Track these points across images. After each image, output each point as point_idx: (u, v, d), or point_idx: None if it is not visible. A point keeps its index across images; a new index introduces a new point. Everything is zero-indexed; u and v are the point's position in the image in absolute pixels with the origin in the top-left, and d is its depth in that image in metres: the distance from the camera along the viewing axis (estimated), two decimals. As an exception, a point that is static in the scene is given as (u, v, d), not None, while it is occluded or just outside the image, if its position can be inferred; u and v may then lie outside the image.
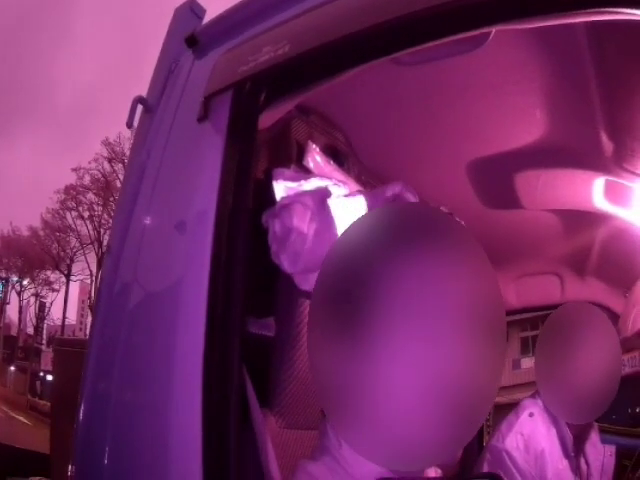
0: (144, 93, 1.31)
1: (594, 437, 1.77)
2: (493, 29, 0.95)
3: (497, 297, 0.78)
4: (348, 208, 1.16)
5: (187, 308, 1.03)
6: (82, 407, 1.17)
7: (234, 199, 1.04)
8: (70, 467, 1.13)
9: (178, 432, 0.99)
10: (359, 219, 0.82)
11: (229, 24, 1.20)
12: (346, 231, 0.83)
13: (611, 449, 1.79)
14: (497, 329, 0.76)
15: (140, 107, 1.29)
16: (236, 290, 1.01)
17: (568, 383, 1.42)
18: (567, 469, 1.70)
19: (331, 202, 1.16)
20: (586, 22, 1.06)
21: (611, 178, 1.64)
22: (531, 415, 1.72)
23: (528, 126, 1.53)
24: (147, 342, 1.12)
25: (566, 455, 1.71)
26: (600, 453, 1.77)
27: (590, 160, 1.61)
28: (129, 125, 1.26)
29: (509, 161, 1.67)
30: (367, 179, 1.56)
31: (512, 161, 1.67)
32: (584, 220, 1.89)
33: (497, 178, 1.76)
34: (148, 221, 1.18)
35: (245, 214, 1.05)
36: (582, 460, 1.73)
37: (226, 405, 0.96)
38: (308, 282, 1.15)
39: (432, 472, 1.03)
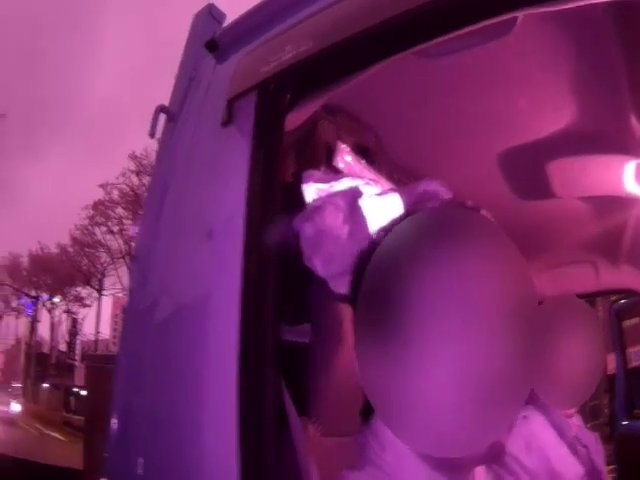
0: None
1: (582, 424, 1.93)
2: (520, 14, 0.92)
3: (530, 291, 0.80)
4: (381, 207, 1.13)
5: (219, 318, 1.02)
6: (113, 421, 1.17)
7: (263, 203, 1.02)
8: None
9: (214, 444, 0.98)
10: (395, 228, 0.89)
11: (249, 26, 1.19)
12: (386, 239, 0.89)
13: (596, 435, 1.97)
14: (530, 321, 0.79)
15: (163, 116, 1.28)
16: (269, 298, 1.00)
17: (556, 372, 1.48)
18: (569, 454, 1.82)
19: (363, 202, 1.13)
20: (612, 3, 1.05)
21: (642, 161, 1.59)
22: (525, 417, 1.79)
23: (557, 113, 1.49)
24: (177, 354, 1.11)
25: (566, 442, 1.82)
26: (591, 437, 1.92)
27: (620, 144, 1.57)
28: (152, 135, 1.25)
29: (539, 150, 1.63)
30: (397, 176, 1.53)
31: (542, 149, 1.63)
32: (616, 205, 1.86)
33: (528, 168, 1.72)
34: (175, 231, 1.17)
35: (274, 218, 1.03)
36: (579, 445, 1.85)
37: (263, 416, 0.95)
38: (343, 284, 1.12)
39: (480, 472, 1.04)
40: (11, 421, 23.59)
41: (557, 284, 2.29)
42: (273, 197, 1.03)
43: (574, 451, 1.84)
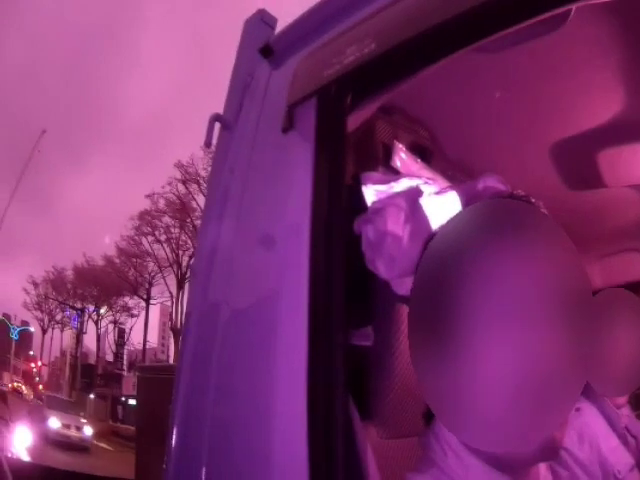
0: (215, 111, 1.30)
1: (631, 414, 1.95)
2: (574, 6, 0.91)
3: (586, 285, 0.78)
4: (441, 205, 1.12)
5: (286, 325, 1.02)
6: (173, 431, 1.17)
7: (328, 209, 1.01)
8: None
9: (282, 451, 0.97)
10: (443, 224, 0.87)
11: (305, 29, 1.18)
12: (435, 236, 0.87)
13: None
14: (585, 316, 0.77)
15: (217, 125, 1.29)
16: (337, 304, 0.98)
17: (607, 361, 1.42)
18: (620, 446, 1.83)
19: (423, 201, 1.12)
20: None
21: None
22: (577, 410, 1.81)
23: (607, 102, 1.46)
24: (244, 362, 1.10)
25: (617, 433, 1.85)
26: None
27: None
28: (207, 145, 1.26)
29: (590, 140, 1.60)
30: (453, 173, 1.52)
31: (593, 139, 1.60)
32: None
33: (579, 158, 1.70)
34: (237, 240, 1.17)
35: (340, 223, 1.02)
36: (629, 435, 1.88)
37: (333, 425, 0.93)
38: (405, 286, 1.11)
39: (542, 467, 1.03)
40: (83, 448, 19.79)
41: (607, 274, 2.26)
42: (337, 202, 1.02)
43: (625, 442, 1.85)
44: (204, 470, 1.08)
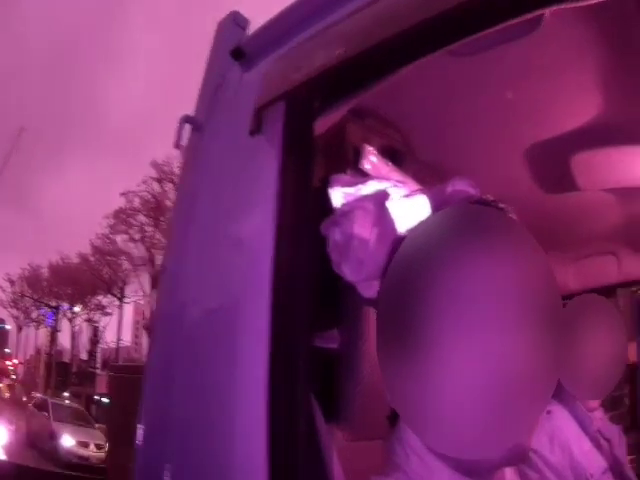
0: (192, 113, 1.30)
1: (605, 417, 1.94)
2: (548, 10, 0.92)
3: (553, 288, 0.80)
4: (409, 209, 1.12)
5: (249, 327, 1.02)
6: (140, 430, 1.17)
7: (293, 212, 1.02)
8: None
9: (242, 450, 0.98)
10: (412, 228, 0.90)
11: (276, 32, 1.18)
12: (404, 240, 0.88)
13: (618, 427, 1.98)
14: (553, 320, 0.78)
15: (188, 127, 1.28)
16: (300, 305, 1.00)
17: (582, 365, 1.47)
18: (592, 449, 1.82)
19: (392, 204, 1.12)
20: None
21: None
22: (548, 412, 1.79)
23: (582, 105, 1.47)
24: (207, 363, 1.11)
25: (589, 437, 1.83)
26: (614, 430, 1.94)
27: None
28: (177, 146, 1.25)
29: (565, 143, 1.62)
30: (425, 176, 1.52)
31: (568, 143, 1.62)
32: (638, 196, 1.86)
33: (554, 161, 1.71)
34: (204, 240, 1.17)
35: (305, 226, 1.03)
36: (602, 438, 1.86)
37: (293, 424, 0.95)
38: (372, 289, 1.11)
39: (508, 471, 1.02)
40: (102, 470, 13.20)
41: (583, 276, 2.29)
42: (303, 205, 1.02)
43: (597, 445, 1.85)
44: (169, 470, 1.07)
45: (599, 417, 1.90)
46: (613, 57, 1.32)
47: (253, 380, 0.98)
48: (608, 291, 2.30)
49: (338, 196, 1.17)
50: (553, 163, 1.72)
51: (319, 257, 1.13)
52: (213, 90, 1.27)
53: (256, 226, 1.06)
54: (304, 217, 1.02)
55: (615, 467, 1.85)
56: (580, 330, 1.47)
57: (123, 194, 30.34)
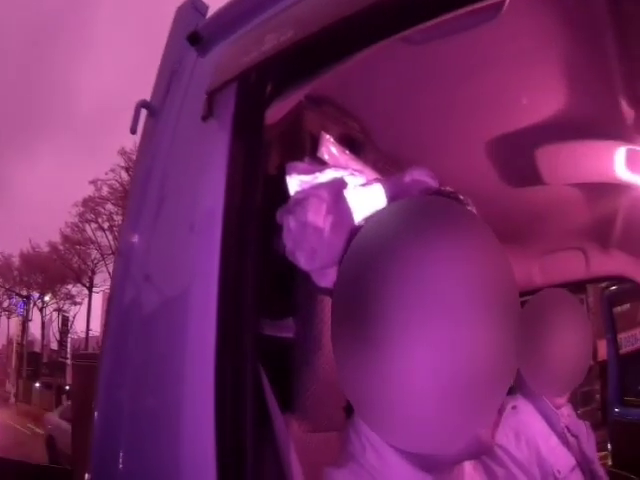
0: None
1: (572, 413, 1.94)
2: None
3: (511, 282, 0.79)
4: (366, 198, 1.12)
5: (196, 313, 1.01)
6: (97, 417, 1.15)
7: (242, 197, 1.01)
8: (87, 476, 1.12)
9: (191, 438, 0.97)
10: (370, 217, 0.88)
11: (231, 17, 1.16)
12: (360, 229, 0.88)
13: (587, 423, 1.99)
14: (509, 312, 0.78)
15: (144, 112, 1.26)
16: (248, 292, 0.99)
17: (546, 361, 1.48)
18: (559, 445, 1.83)
19: (348, 193, 1.11)
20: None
21: (632, 147, 1.58)
22: (514, 408, 1.82)
23: (546, 97, 1.46)
24: (157, 349, 1.10)
25: (555, 432, 1.85)
26: (582, 426, 1.95)
27: (610, 130, 1.55)
28: (133, 131, 1.23)
29: (528, 136, 1.61)
30: (385, 166, 1.51)
31: (531, 136, 1.61)
32: (606, 192, 1.85)
33: (517, 154, 1.70)
34: (157, 225, 1.16)
35: (255, 212, 1.02)
36: (569, 434, 1.87)
37: (241, 411, 0.94)
38: (326, 278, 1.11)
39: (468, 465, 1.02)
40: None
41: (549, 272, 2.30)
42: (253, 190, 1.01)
43: (565, 442, 1.85)
44: (121, 464, 1.06)
45: (567, 414, 1.91)
46: (578, 48, 1.30)
47: (200, 368, 0.96)
48: (577, 287, 2.32)
49: (294, 184, 1.16)
50: (518, 156, 1.71)
51: (270, 245, 1.13)
52: (169, 75, 1.25)
53: (205, 213, 1.05)
54: (254, 202, 1.00)
55: (584, 464, 1.86)
56: (543, 325, 1.49)
57: (92, 182, 29.99)
